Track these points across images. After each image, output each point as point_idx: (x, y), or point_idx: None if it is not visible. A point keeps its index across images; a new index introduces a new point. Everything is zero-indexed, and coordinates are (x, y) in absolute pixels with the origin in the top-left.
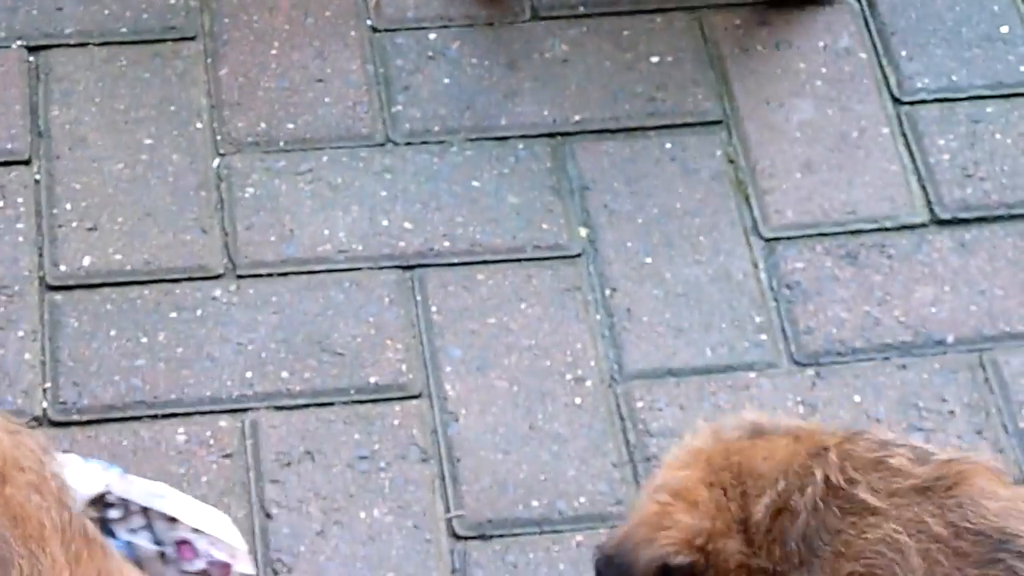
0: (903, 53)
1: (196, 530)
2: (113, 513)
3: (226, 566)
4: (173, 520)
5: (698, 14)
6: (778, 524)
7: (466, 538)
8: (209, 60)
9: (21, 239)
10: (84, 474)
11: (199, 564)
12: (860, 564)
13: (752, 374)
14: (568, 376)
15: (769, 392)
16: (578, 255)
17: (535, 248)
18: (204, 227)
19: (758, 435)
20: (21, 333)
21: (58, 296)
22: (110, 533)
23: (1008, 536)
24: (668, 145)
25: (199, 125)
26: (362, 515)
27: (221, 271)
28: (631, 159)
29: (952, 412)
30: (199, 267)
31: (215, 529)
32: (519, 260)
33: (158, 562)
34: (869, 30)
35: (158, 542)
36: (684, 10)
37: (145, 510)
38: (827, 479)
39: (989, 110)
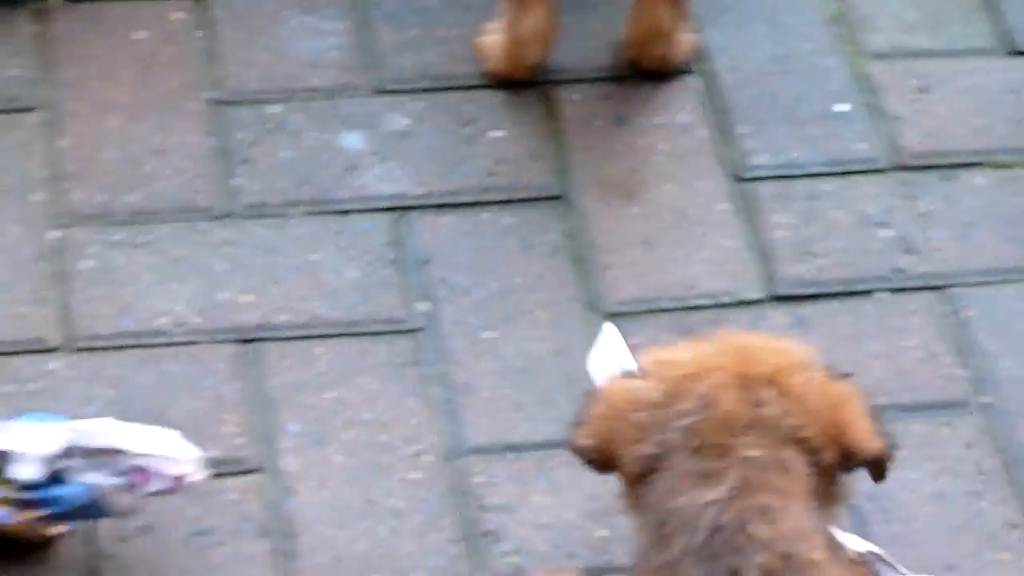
0: (742, 130)
1: (145, 454)
2: (74, 462)
3: (179, 479)
4: (121, 452)
5: (540, 88)
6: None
7: None
8: (48, 131)
9: None
10: (41, 433)
11: (156, 485)
12: None
13: None
14: (406, 451)
15: None
16: (417, 329)
17: (374, 322)
18: (40, 299)
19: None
20: None
21: None
22: (64, 482)
23: None
24: (508, 220)
25: (38, 196)
26: None
27: (57, 344)
28: (471, 233)
29: None
30: (35, 339)
31: (162, 447)
32: (358, 334)
33: (125, 493)
34: (709, 107)
35: (120, 473)
36: (526, 85)
37: (99, 450)
38: (685, 545)
39: (826, 187)
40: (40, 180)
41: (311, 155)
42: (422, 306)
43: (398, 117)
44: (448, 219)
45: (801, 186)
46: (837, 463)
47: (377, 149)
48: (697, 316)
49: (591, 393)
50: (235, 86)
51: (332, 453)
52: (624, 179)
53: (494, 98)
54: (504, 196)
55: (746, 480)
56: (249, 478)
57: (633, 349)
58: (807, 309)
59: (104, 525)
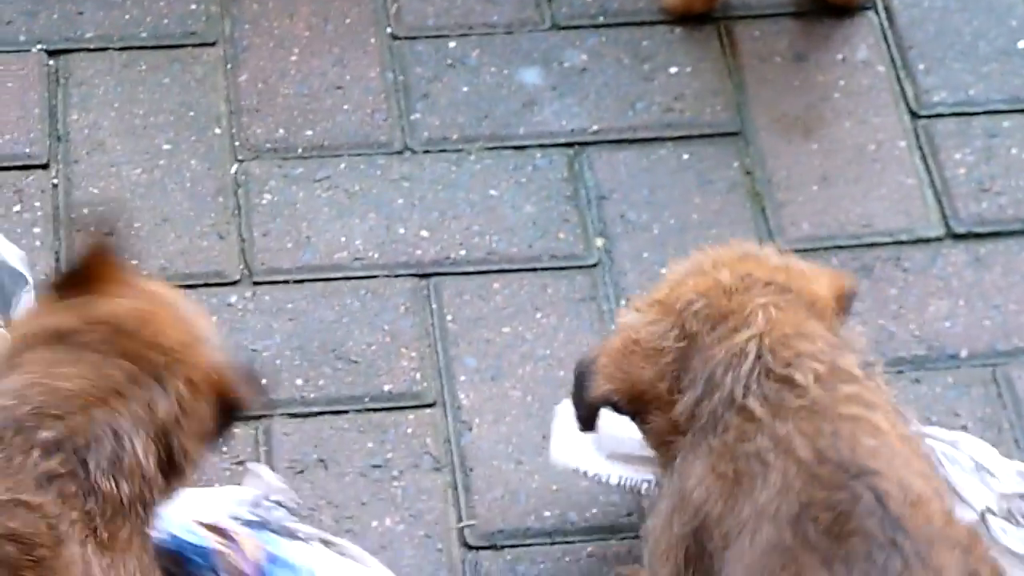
0: (921, 67)
1: None
2: None
3: None
4: None
5: (718, 24)
6: (698, 411)
7: (477, 548)
8: (229, 66)
9: (38, 243)
10: None
11: None
12: (731, 467)
13: None
14: None
15: None
16: (594, 265)
17: (551, 258)
18: (221, 233)
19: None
20: None
21: None
22: None
23: (864, 472)
24: (685, 156)
25: (217, 131)
26: (374, 524)
27: (237, 277)
28: (648, 169)
29: (965, 427)
30: (215, 273)
31: None
32: (535, 269)
33: None
34: (888, 43)
35: None
36: (704, 21)
37: None
38: (731, 390)
39: (1006, 124)
40: (220, 115)
41: (489, 91)
42: (599, 242)
43: (576, 53)
44: (625, 155)
45: (980, 123)
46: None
47: (555, 84)
48: (873, 253)
49: (593, 349)
50: (413, 21)
51: (508, 388)
52: (802, 115)
53: (672, 34)
54: (682, 132)
55: (771, 316)
56: (426, 412)
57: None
58: (985, 247)
59: (281, 456)
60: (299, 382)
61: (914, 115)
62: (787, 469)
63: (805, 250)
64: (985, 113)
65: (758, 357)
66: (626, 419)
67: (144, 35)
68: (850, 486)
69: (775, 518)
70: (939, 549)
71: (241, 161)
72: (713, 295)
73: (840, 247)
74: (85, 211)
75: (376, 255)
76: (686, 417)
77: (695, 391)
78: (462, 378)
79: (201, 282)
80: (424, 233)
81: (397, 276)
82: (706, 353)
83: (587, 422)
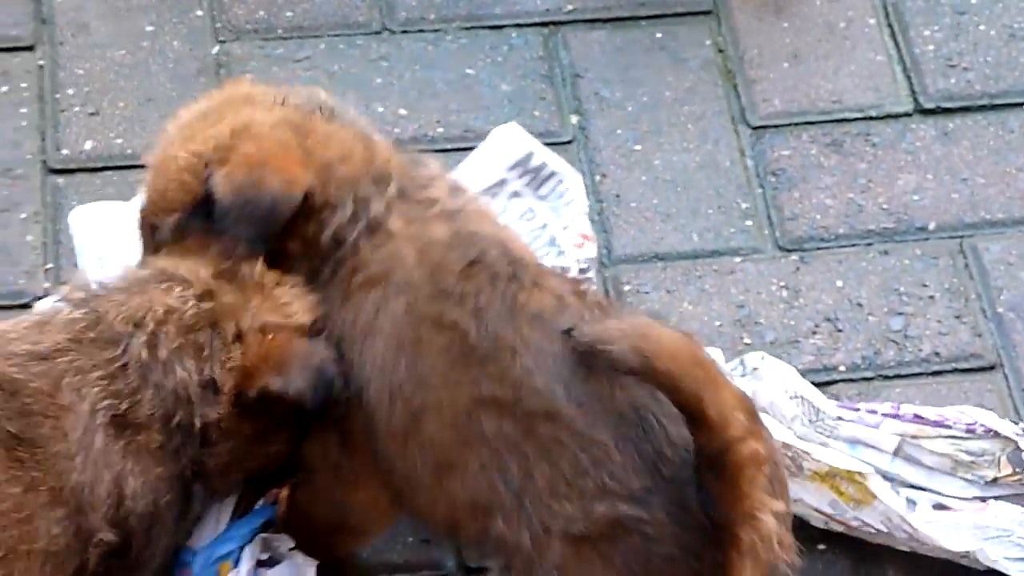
0: None
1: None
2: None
3: None
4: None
5: None
6: (330, 245)
7: None
8: None
9: (24, 123)
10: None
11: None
12: (364, 272)
13: (737, 259)
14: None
15: (754, 276)
16: (569, 141)
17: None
18: None
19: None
20: (24, 215)
21: (60, 179)
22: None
23: (491, 236)
24: (658, 35)
25: (199, 12)
26: None
27: None
28: (622, 48)
29: (932, 297)
30: None
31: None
32: None
33: None
34: None
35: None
36: None
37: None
38: (374, 215)
39: (974, 1)
40: None
41: None
42: (574, 119)
43: None
44: (599, 34)
45: (948, 0)
46: None
47: None
48: (843, 129)
49: None
50: None
51: None
52: None
53: None
54: (655, 11)
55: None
56: None
57: None
58: (953, 122)
59: None
60: None
61: None
62: (422, 249)
63: (776, 126)
64: None
65: (398, 184)
66: None
67: None
68: (479, 243)
69: (409, 286)
70: (550, 278)
71: (223, 42)
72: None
73: (810, 123)
74: (71, 92)
75: None
76: (327, 247)
77: (341, 215)
78: None
79: None
80: (402, 111)
81: None
82: (346, 182)
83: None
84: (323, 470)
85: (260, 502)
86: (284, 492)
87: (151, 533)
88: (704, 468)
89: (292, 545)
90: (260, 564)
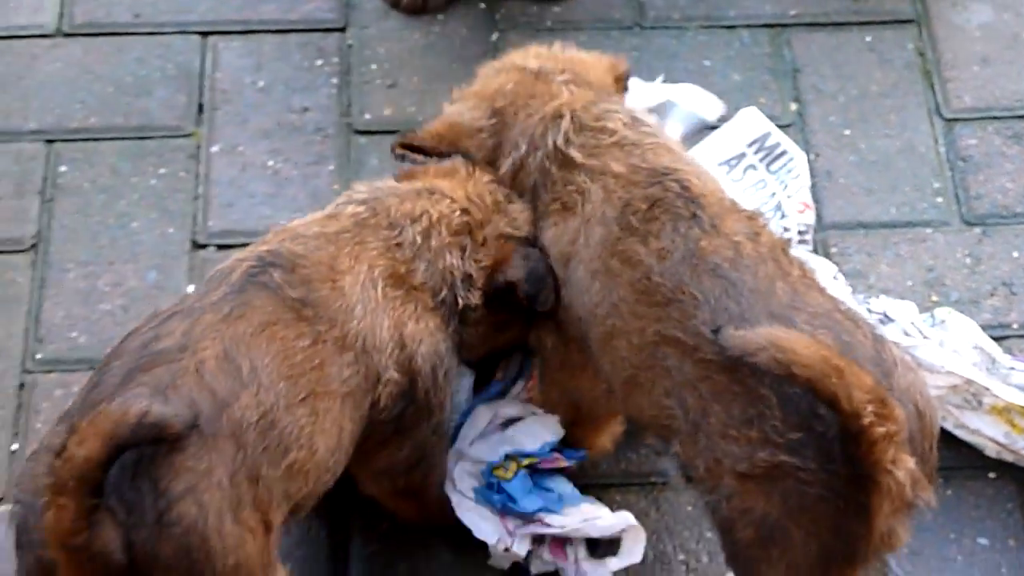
0: None
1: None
2: None
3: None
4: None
5: None
6: (522, 171)
7: None
8: None
9: (334, 91)
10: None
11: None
12: (557, 201)
13: (928, 229)
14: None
15: (942, 245)
16: (788, 125)
17: None
18: None
19: (538, 77)
20: (331, 168)
21: (362, 139)
22: None
23: (670, 170)
24: (868, 38)
25: (482, 6)
26: None
27: None
28: (837, 48)
29: None
30: None
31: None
32: None
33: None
34: None
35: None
36: None
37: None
38: (554, 144)
39: None
40: None
41: None
42: (793, 106)
43: None
44: (818, 36)
45: None
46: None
47: None
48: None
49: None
50: None
51: None
52: (967, 7)
53: None
54: (866, 18)
55: (572, 91)
56: None
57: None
58: None
59: None
60: None
61: None
62: (606, 184)
63: (966, 119)
64: None
65: (572, 118)
66: None
67: None
68: (660, 180)
69: (602, 220)
70: (728, 218)
71: (501, 31)
72: (519, 81)
73: (996, 118)
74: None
75: None
76: (510, 176)
77: (517, 152)
78: None
79: None
80: None
81: None
82: (523, 124)
83: None
84: (549, 357)
85: (498, 375)
86: (534, 387)
87: (436, 374)
88: (847, 436)
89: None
90: (509, 422)
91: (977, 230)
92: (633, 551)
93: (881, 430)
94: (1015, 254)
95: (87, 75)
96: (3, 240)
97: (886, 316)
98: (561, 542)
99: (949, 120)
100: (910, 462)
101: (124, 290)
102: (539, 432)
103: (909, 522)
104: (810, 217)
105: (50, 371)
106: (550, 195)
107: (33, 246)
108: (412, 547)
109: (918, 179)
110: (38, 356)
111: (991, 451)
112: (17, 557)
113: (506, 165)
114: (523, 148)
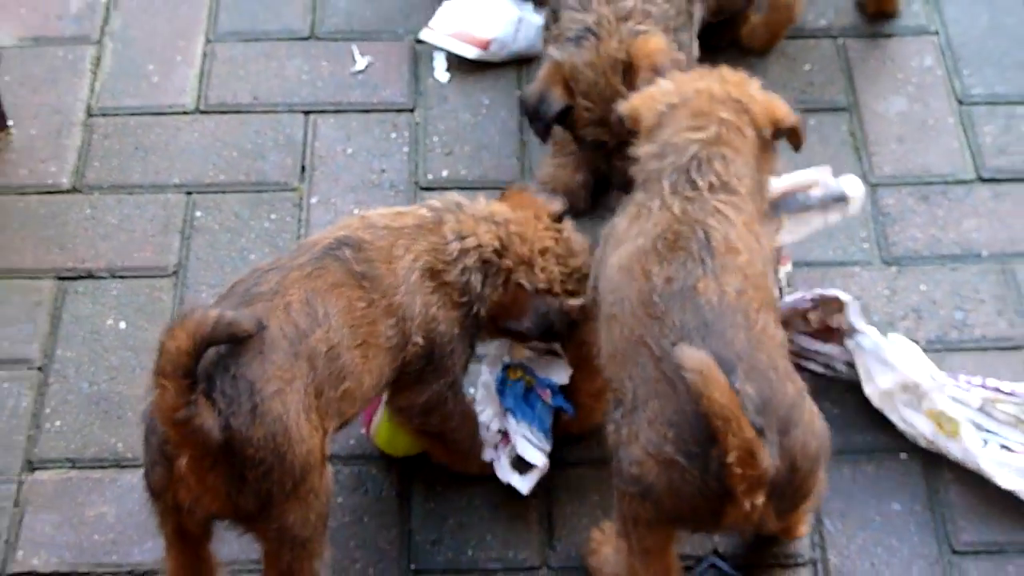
0: None
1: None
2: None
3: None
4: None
5: None
6: (646, 164)
7: None
8: None
9: (406, 157)
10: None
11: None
12: (638, 203)
13: (857, 268)
14: None
15: (867, 280)
16: None
17: None
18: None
19: (712, 99)
20: None
21: (425, 193)
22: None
23: (707, 225)
24: (812, 122)
25: (516, 93)
26: None
27: None
28: None
29: (983, 300)
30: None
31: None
32: None
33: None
34: None
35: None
36: None
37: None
38: (686, 163)
39: (1021, 112)
40: None
41: None
42: None
43: None
44: None
45: None
46: (771, 134)
47: None
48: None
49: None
50: None
51: None
52: None
53: None
54: (811, 107)
55: (720, 133)
56: None
57: None
58: (1002, 187)
59: None
60: None
61: None
62: (663, 214)
63: (887, 184)
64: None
65: (691, 156)
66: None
67: None
68: (693, 226)
69: (645, 234)
70: (729, 273)
71: None
72: (699, 97)
73: (908, 183)
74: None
75: None
76: (639, 163)
77: (653, 147)
78: None
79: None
80: None
81: None
82: (673, 132)
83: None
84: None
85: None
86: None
87: (449, 347)
88: (720, 465)
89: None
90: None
91: (893, 268)
92: (527, 482)
93: (739, 472)
94: (922, 287)
95: (217, 143)
96: (152, 267)
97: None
98: (506, 439)
99: (873, 184)
100: (759, 499)
101: None
102: (552, 368)
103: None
104: (789, 266)
105: None
106: (641, 193)
107: (175, 272)
108: (459, 505)
109: (850, 229)
110: None
111: (921, 442)
112: (144, 447)
113: (642, 151)
114: (657, 148)
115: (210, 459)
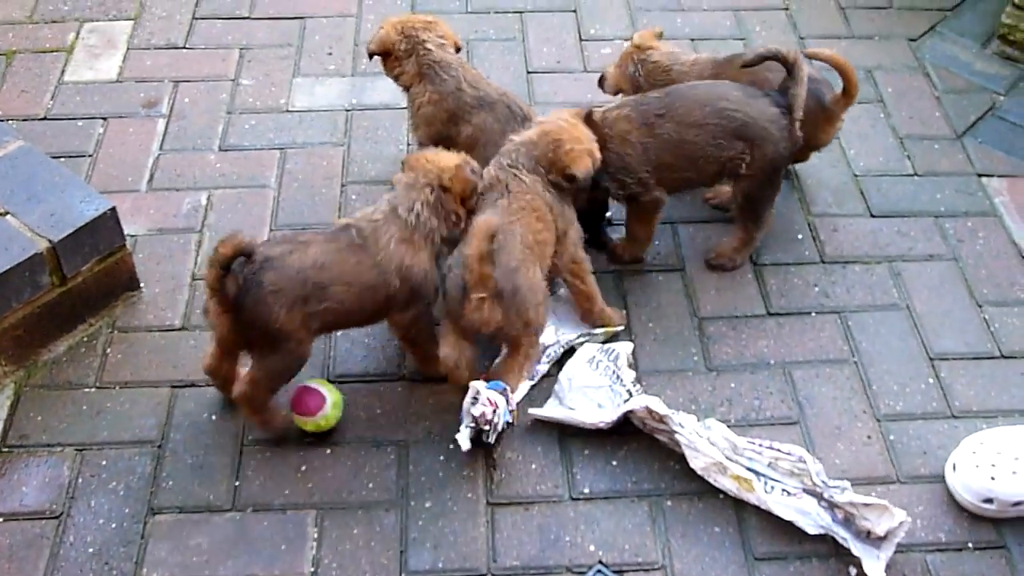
0: None
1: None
2: None
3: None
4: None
5: None
6: None
7: None
8: None
9: None
10: None
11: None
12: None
13: (689, 373)
14: None
15: (695, 383)
16: None
17: None
18: None
19: None
20: None
21: None
22: None
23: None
24: (660, 278)
25: None
26: None
27: None
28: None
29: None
30: None
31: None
32: None
33: None
34: None
35: None
36: None
37: None
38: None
39: None
40: None
41: None
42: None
43: None
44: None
45: None
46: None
47: None
48: None
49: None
50: None
51: None
52: None
53: None
54: (640, 269)
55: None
56: None
57: None
58: None
59: None
60: None
61: None
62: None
63: (712, 318)
64: None
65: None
66: None
67: None
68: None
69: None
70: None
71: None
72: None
73: (734, 316)
74: None
75: None
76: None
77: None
78: None
79: None
80: None
81: None
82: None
83: None
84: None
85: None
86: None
87: (421, 280)
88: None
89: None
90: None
91: (714, 373)
92: (464, 440)
93: (468, 277)
94: (732, 385)
95: None
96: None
97: (681, 425)
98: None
99: (702, 319)
100: (480, 294)
101: None
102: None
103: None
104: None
105: None
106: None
107: None
108: (442, 451)
109: (684, 347)
110: None
111: (732, 493)
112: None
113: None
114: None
115: (229, 307)
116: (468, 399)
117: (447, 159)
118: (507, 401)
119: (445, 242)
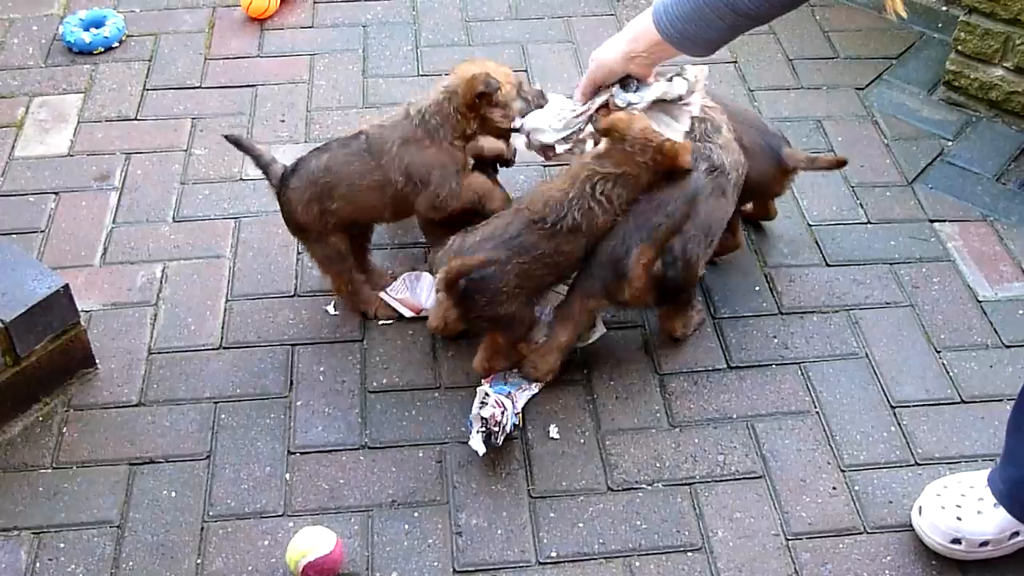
0: None
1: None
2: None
3: None
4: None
5: None
6: None
7: None
8: None
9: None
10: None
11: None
12: None
13: (653, 432)
14: None
15: (658, 439)
16: None
17: None
18: None
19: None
20: None
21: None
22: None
23: None
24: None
25: None
26: None
27: None
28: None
29: None
30: None
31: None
32: None
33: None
34: None
35: None
36: None
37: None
38: None
39: None
40: None
41: None
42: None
43: None
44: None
45: None
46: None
47: None
48: None
49: None
50: None
51: None
52: None
53: None
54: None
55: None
56: None
57: None
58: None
59: None
60: None
61: None
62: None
63: (675, 373)
64: None
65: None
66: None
67: None
68: None
69: None
70: None
71: None
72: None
73: (693, 371)
74: None
75: None
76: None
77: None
78: None
79: None
80: None
81: None
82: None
83: None
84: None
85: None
86: None
87: (423, 173)
88: None
89: None
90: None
91: (677, 429)
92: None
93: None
94: (696, 440)
95: (235, 368)
96: (192, 454)
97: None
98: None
99: (663, 375)
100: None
101: None
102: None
103: None
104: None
105: None
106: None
107: (207, 457)
108: (406, 519)
109: (648, 403)
110: None
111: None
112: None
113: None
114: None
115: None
116: (476, 403)
117: (469, 69)
118: (512, 403)
119: (461, 144)
